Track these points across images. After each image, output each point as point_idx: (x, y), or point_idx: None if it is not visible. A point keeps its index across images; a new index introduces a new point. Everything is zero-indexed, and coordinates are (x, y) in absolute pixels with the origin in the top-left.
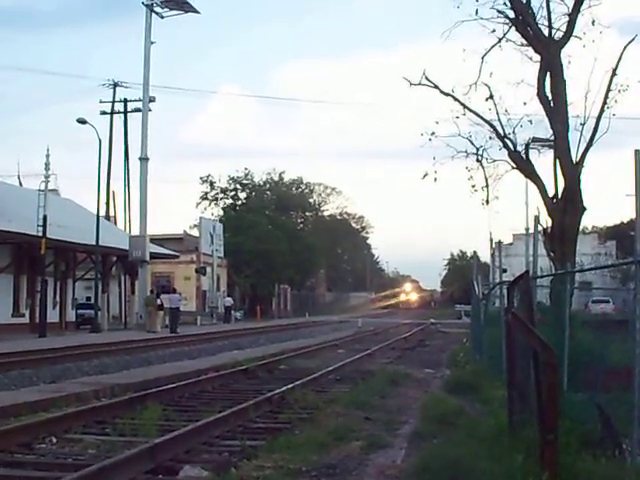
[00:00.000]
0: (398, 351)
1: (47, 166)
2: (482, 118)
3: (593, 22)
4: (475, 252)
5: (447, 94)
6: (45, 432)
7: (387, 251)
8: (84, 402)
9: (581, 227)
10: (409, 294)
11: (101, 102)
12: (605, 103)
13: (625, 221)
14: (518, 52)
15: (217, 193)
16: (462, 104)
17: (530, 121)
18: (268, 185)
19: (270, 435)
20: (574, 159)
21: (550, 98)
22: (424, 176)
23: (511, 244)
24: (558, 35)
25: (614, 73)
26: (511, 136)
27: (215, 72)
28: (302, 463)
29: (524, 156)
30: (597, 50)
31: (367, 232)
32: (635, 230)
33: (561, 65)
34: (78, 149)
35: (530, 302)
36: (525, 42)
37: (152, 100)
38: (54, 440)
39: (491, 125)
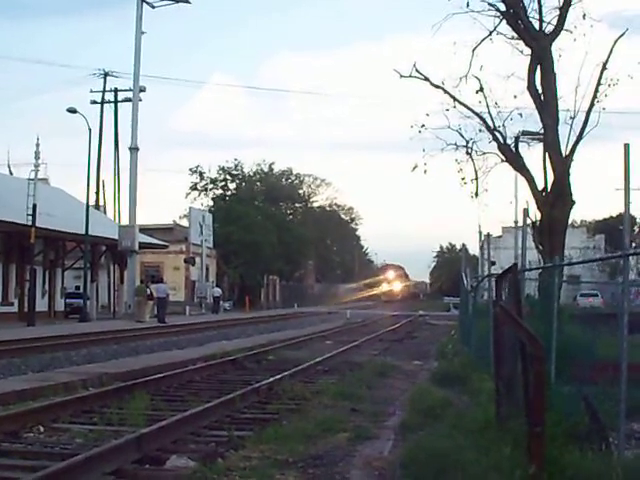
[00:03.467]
0: (386, 343)
1: (37, 155)
2: (472, 111)
3: (584, 16)
4: (464, 244)
5: (437, 86)
6: (33, 421)
7: (376, 242)
8: (72, 391)
9: (570, 221)
10: (392, 283)
11: (91, 92)
12: (595, 97)
13: (614, 215)
14: (509, 45)
15: (207, 183)
16: (452, 96)
17: (520, 114)
18: (258, 176)
19: (257, 426)
20: (564, 153)
21: (540, 91)
22: (414, 168)
23: (500, 237)
24: (549, 29)
25: (604, 67)
26: (501, 129)
27: (206, 62)
28: (289, 454)
29: (514, 149)
30: (588, 44)
31: (356, 223)
32: (624, 224)
33: (552, 59)
34: (68, 138)
35: (518, 295)
36: (516, 35)
37: (142, 90)
38: (41, 429)
39: (481, 118)
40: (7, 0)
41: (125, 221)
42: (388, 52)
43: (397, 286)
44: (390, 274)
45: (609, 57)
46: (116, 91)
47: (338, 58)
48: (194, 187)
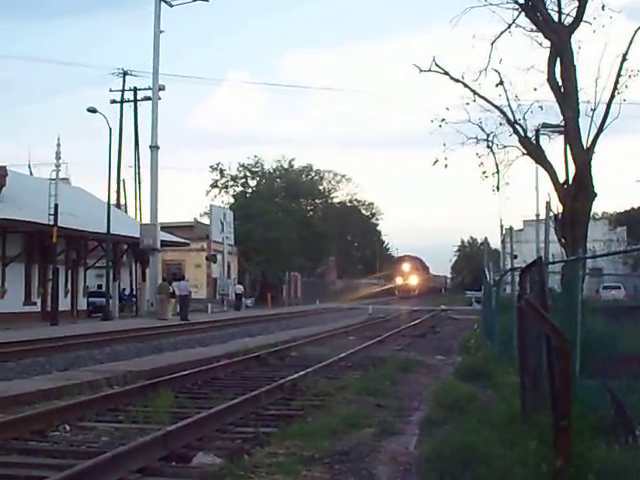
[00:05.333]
0: (409, 338)
1: (58, 155)
2: (492, 104)
3: (603, 7)
4: (486, 238)
5: (457, 80)
6: (58, 420)
7: (397, 238)
8: (97, 390)
9: (591, 213)
10: (408, 277)
11: (111, 91)
12: (615, 89)
13: (635, 207)
14: (528, 38)
15: (227, 181)
16: (472, 90)
17: (540, 107)
18: (278, 172)
19: (282, 422)
20: (585, 145)
21: (560, 84)
22: (434, 162)
23: (521, 230)
24: (568, 20)
25: (624, 58)
26: (521, 122)
27: (224, 60)
28: (315, 450)
29: (534, 142)
30: (607, 35)
31: (377, 219)
32: None
33: (571, 51)
34: (88, 138)
35: (543, 288)
36: (535, 28)
37: (162, 88)
38: (67, 428)
39: (501, 111)
40: (23, 1)
41: (146, 219)
42: (407, 47)
43: (414, 280)
44: (406, 266)
45: (629, 48)
46: (135, 90)
47: (357, 53)
48: (215, 184)
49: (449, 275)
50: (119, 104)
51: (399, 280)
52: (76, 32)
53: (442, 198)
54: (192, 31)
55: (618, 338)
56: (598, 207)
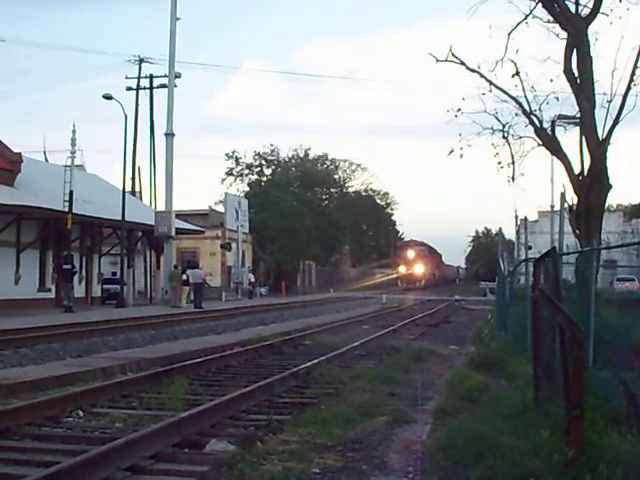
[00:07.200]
0: (422, 327)
1: (73, 142)
2: (508, 95)
3: None
4: (500, 229)
5: (473, 70)
6: (72, 406)
7: (412, 228)
8: (110, 376)
9: (606, 205)
10: (412, 265)
11: (127, 78)
12: (632, 80)
13: None
14: (545, 29)
15: (242, 169)
16: (488, 80)
17: (557, 98)
18: (293, 161)
19: (296, 410)
20: (600, 136)
21: (577, 75)
22: (450, 152)
23: (536, 221)
24: (585, 12)
25: None
26: (537, 113)
27: (240, 48)
28: (328, 438)
29: (550, 133)
30: (624, 27)
31: (392, 209)
32: None
33: (588, 42)
34: (104, 125)
35: (557, 279)
36: (552, 19)
37: (178, 76)
38: (81, 414)
39: (517, 102)
40: None
41: (161, 207)
42: (424, 37)
43: (419, 269)
44: (410, 253)
45: None
46: (151, 77)
47: (373, 43)
48: (230, 173)
49: (463, 265)
50: (135, 91)
51: (402, 269)
52: (93, 19)
53: (457, 188)
54: (208, 19)
55: (632, 330)
56: (613, 199)
